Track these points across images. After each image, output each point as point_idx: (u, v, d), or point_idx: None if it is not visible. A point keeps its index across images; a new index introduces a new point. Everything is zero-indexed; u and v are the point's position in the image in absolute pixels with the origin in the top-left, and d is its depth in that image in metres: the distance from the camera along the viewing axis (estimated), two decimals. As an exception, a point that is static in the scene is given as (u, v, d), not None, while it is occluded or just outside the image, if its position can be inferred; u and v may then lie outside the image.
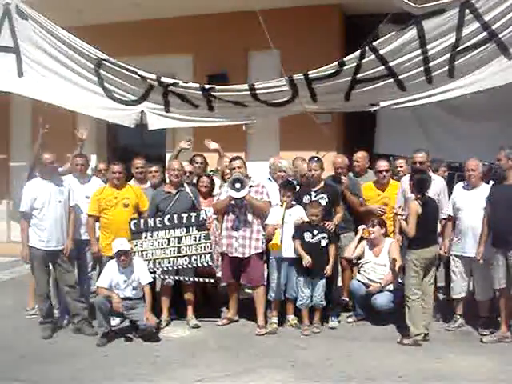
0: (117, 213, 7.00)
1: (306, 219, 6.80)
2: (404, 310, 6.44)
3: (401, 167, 7.58)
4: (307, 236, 6.71)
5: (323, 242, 6.72)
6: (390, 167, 7.59)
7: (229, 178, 6.90)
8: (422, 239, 6.35)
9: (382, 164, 7.36)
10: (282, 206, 6.83)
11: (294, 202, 6.90)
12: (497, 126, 9.26)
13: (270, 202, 6.92)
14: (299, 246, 6.71)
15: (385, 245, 7.03)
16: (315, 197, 6.96)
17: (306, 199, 6.98)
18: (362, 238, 7.20)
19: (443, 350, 6.11)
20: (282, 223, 6.65)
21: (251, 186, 6.85)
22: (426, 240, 6.38)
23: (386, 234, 7.10)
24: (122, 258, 6.54)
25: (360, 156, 7.67)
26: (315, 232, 6.72)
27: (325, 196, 6.95)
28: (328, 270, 6.74)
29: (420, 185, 6.44)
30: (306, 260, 6.63)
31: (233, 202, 6.82)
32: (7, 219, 11.67)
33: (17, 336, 6.72)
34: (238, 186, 6.67)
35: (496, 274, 6.30)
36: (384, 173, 7.29)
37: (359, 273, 7.13)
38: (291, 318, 6.96)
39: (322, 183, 7.09)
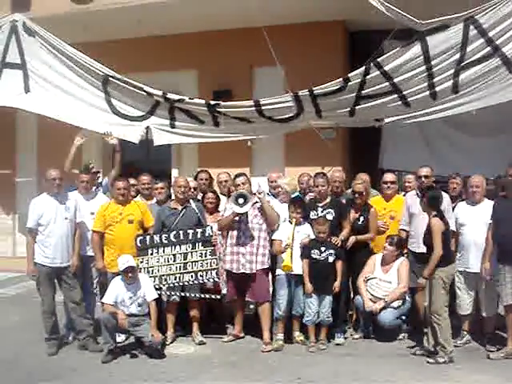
0: (121, 229, 7.00)
1: (313, 236, 6.81)
2: (427, 328, 6.39)
3: (409, 182, 7.58)
4: (314, 253, 6.70)
5: (330, 259, 6.70)
6: (397, 181, 7.64)
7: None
8: (448, 256, 6.26)
9: (388, 176, 7.47)
10: (291, 222, 6.83)
11: (301, 219, 6.89)
12: (501, 141, 9.27)
13: (278, 215, 6.93)
14: (306, 267, 6.69)
15: (395, 263, 7.02)
16: (322, 212, 6.95)
17: (312, 215, 6.98)
18: (371, 253, 7.20)
19: (450, 367, 6.07)
20: (292, 241, 6.65)
21: (256, 202, 6.85)
22: (450, 256, 6.33)
23: (402, 254, 7.10)
24: (129, 274, 6.54)
25: (364, 178, 7.67)
26: (322, 249, 6.71)
27: (332, 211, 6.95)
28: (336, 286, 6.72)
29: (436, 200, 6.34)
30: (308, 288, 6.66)
31: (237, 218, 6.81)
32: (13, 234, 11.70)
33: (22, 352, 6.71)
34: (241, 201, 6.67)
35: (503, 290, 6.27)
36: (389, 184, 7.33)
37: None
38: (297, 335, 6.93)
39: (329, 198, 7.09)
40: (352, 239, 6.97)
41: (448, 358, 6.16)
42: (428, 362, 6.20)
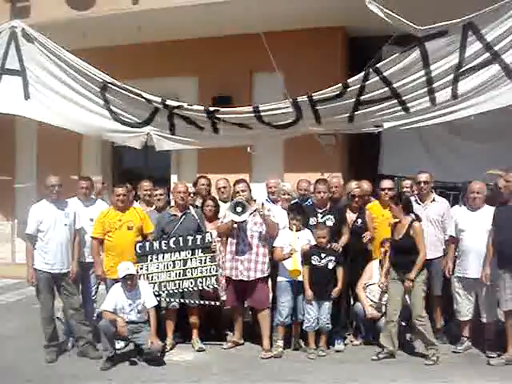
0: (121, 235, 6.98)
1: (314, 242, 6.79)
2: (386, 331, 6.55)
3: (407, 188, 7.58)
4: (315, 259, 6.68)
5: (330, 265, 6.67)
6: (395, 187, 7.63)
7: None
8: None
9: (386, 183, 7.44)
10: (291, 229, 6.80)
11: (301, 225, 6.87)
12: (501, 146, 9.28)
13: (277, 224, 6.91)
14: (307, 273, 6.66)
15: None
16: (321, 218, 6.94)
17: (312, 221, 6.97)
18: (370, 259, 7.18)
19: (450, 373, 6.06)
20: (295, 246, 6.61)
21: (256, 210, 6.84)
22: None
23: None
24: (129, 282, 6.52)
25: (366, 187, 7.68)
26: (323, 255, 6.68)
27: (331, 217, 6.94)
28: (335, 292, 6.70)
29: (411, 205, 6.66)
30: (309, 295, 6.63)
31: (236, 225, 6.78)
32: (12, 241, 11.69)
33: (22, 359, 6.68)
34: (239, 209, 6.65)
35: (503, 296, 6.26)
36: (387, 191, 7.30)
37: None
38: (297, 342, 6.91)
39: (328, 205, 7.07)
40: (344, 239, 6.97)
41: (438, 352, 6.35)
42: (426, 365, 6.26)
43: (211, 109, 7.78)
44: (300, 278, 6.67)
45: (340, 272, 6.73)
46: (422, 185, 7.06)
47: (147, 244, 6.97)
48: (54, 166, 7.95)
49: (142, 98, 7.82)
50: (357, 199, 7.22)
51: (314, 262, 6.67)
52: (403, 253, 6.42)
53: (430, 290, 6.89)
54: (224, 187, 7.82)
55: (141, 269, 6.89)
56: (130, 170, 11.47)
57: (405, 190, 7.70)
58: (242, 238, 6.81)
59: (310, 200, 7.47)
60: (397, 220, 6.58)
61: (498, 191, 7.07)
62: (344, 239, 6.93)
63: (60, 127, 8.20)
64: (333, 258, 6.69)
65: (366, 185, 7.66)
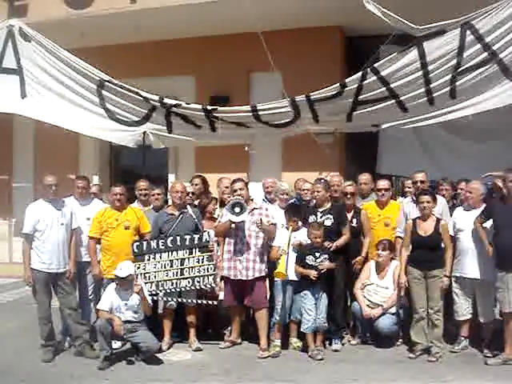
0: (118, 235, 6.97)
1: (308, 241, 6.76)
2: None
3: (409, 187, 7.56)
4: (309, 259, 6.64)
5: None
6: (392, 187, 7.61)
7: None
8: None
9: (382, 183, 7.40)
10: (288, 229, 6.79)
11: (300, 224, 6.85)
12: (499, 145, 9.28)
13: (275, 224, 6.90)
14: (301, 269, 6.63)
15: (390, 267, 6.99)
16: (321, 217, 6.92)
17: (311, 219, 6.95)
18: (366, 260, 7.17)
19: (448, 373, 6.05)
20: (288, 247, 6.60)
21: (254, 209, 6.83)
22: None
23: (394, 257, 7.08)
24: (125, 283, 6.51)
25: (366, 178, 7.67)
26: (317, 254, 6.64)
27: (330, 217, 6.92)
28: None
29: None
30: (312, 274, 6.54)
31: (233, 225, 6.76)
32: (9, 240, 11.67)
33: (18, 359, 6.66)
34: (237, 210, 6.63)
35: (504, 297, 6.19)
36: (383, 191, 7.29)
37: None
38: (294, 341, 6.90)
39: (329, 204, 7.06)
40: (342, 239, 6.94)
41: (442, 351, 6.46)
42: (429, 361, 6.35)
43: (209, 107, 7.80)
44: (293, 278, 6.66)
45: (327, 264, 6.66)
46: (419, 184, 7.04)
47: (144, 243, 6.95)
48: (51, 165, 7.94)
49: (140, 96, 7.83)
50: (348, 196, 7.20)
51: (309, 262, 6.63)
52: (429, 249, 6.51)
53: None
54: (226, 187, 7.74)
55: (138, 268, 6.86)
56: (128, 169, 11.44)
57: (407, 189, 7.68)
58: (239, 238, 6.79)
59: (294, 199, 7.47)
60: (414, 217, 6.64)
61: (497, 190, 7.05)
62: (342, 240, 6.89)
63: (57, 126, 8.20)
64: (327, 257, 6.64)
65: (365, 176, 7.63)
